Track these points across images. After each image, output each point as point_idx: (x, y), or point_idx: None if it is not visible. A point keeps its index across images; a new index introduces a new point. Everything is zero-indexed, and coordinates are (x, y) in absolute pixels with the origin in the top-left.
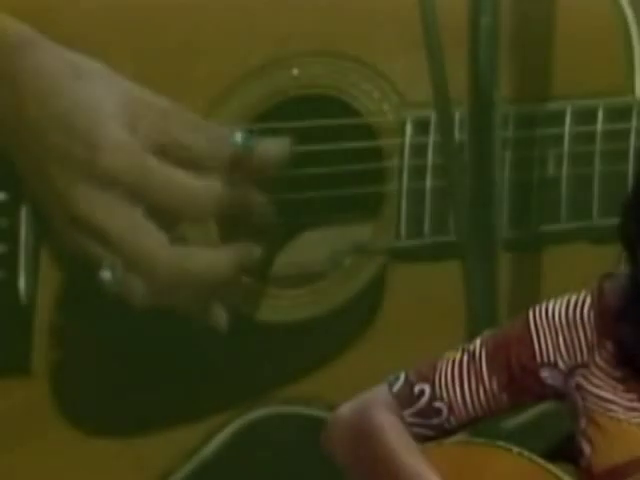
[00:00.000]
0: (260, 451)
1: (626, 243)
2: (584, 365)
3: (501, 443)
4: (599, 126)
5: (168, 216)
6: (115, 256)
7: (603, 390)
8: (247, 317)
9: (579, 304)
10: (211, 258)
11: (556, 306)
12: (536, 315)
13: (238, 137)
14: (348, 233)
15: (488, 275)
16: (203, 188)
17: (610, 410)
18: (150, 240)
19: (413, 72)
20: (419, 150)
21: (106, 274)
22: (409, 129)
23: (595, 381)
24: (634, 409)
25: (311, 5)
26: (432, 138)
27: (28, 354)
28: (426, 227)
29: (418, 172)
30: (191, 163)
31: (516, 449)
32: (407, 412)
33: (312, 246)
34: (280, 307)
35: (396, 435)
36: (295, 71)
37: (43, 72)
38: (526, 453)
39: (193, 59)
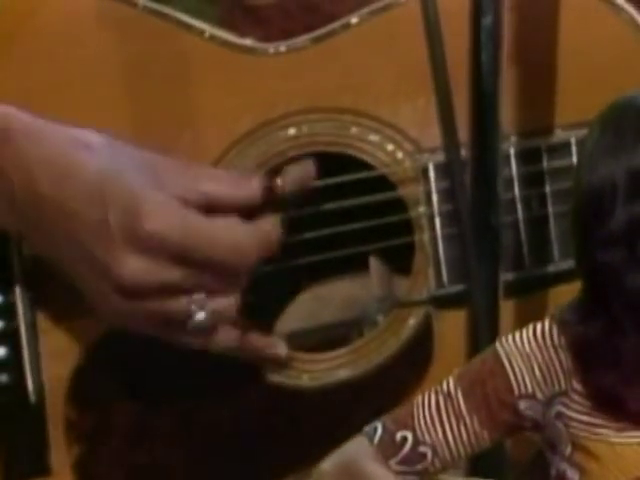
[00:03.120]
0: None
1: (606, 279)
2: (563, 393)
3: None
4: None
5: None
6: (195, 295)
7: (587, 415)
8: (286, 388)
9: (547, 330)
10: None
11: (523, 335)
12: (505, 347)
13: None
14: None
15: (492, 321)
16: (244, 232)
17: (599, 434)
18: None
19: (423, 116)
20: (448, 194)
21: (199, 316)
22: (432, 174)
23: (577, 407)
24: (623, 429)
25: (297, 61)
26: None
27: (47, 453)
28: None
29: (451, 216)
30: (218, 212)
31: None
32: (392, 461)
33: (342, 306)
34: (319, 372)
35: None
36: (292, 131)
37: (55, 156)
38: None
39: (176, 131)
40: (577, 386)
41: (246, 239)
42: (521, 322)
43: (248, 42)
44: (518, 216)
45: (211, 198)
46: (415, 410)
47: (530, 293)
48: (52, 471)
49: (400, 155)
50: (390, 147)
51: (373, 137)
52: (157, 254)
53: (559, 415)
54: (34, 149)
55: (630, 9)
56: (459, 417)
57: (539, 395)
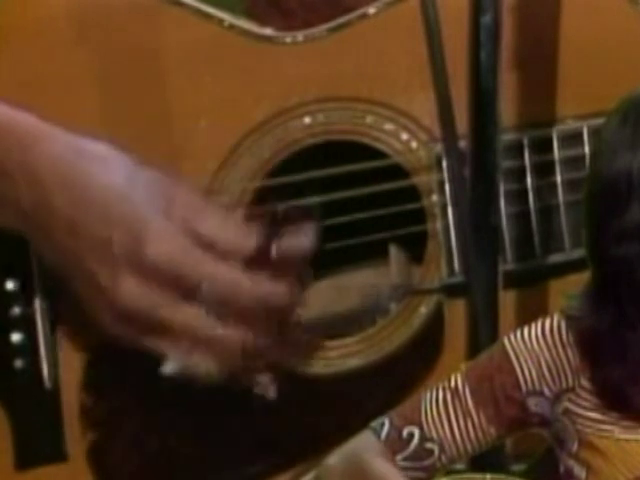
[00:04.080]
0: None
1: (618, 272)
2: (570, 389)
3: (486, 475)
4: None
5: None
6: (177, 345)
7: (594, 412)
8: (298, 375)
9: (555, 327)
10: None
11: (532, 332)
12: (513, 343)
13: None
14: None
15: (492, 312)
16: (247, 281)
17: (605, 430)
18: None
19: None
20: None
21: (169, 366)
22: (446, 163)
23: (584, 403)
24: (629, 426)
25: (314, 50)
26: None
27: (61, 439)
28: None
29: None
30: (222, 252)
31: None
32: (399, 457)
33: (355, 294)
34: (330, 359)
35: None
36: (307, 120)
37: (63, 164)
38: None
39: (193, 119)
40: (585, 383)
41: (245, 287)
42: (530, 311)
43: (266, 31)
44: (530, 205)
45: (210, 240)
46: (422, 406)
47: (541, 282)
48: (67, 457)
49: (414, 144)
50: (405, 136)
51: (388, 126)
52: (154, 280)
53: (566, 412)
54: (46, 159)
55: None
56: (466, 413)
57: (547, 392)
